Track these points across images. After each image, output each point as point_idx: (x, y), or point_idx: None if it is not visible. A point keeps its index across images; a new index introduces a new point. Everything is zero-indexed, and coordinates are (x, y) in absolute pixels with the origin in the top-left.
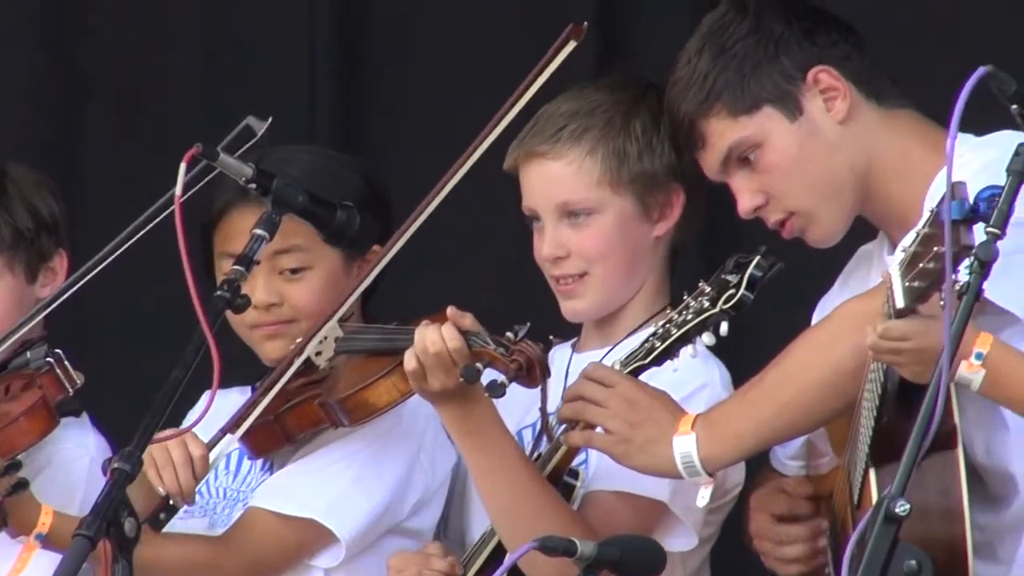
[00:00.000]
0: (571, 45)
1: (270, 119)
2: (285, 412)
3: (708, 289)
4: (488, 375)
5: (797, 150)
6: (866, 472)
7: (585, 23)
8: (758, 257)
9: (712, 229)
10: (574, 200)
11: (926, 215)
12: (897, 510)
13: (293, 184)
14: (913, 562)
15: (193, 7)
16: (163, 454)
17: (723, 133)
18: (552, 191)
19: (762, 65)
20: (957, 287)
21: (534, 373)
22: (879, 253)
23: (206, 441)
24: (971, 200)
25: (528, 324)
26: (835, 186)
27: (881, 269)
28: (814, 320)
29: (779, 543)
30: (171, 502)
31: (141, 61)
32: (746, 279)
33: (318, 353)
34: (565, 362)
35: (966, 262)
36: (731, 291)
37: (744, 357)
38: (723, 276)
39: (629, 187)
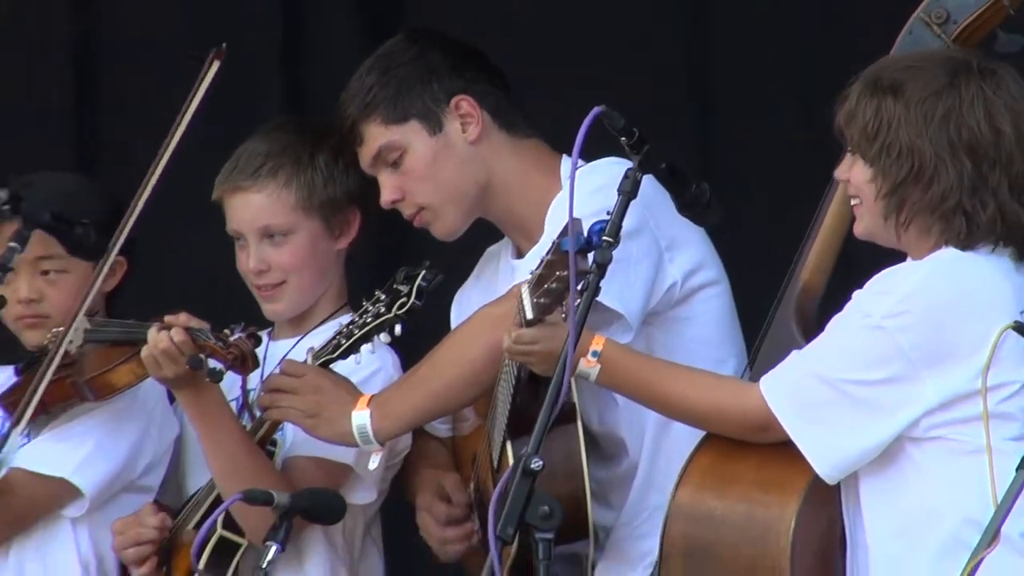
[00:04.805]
0: (216, 65)
1: None
2: (44, 389)
3: (383, 297)
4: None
5: (432, 159)
6: (504, 443)
7: (224, 45)
8: (424, 270)
9: (380, 242)
10: (274, 224)
11: (549, 244)
12: (533, 466)
13: (41, 204)
14: (546, 508)
15: None
16: None
17: (376, 136)
18: (255, 217)
19: (416, 87)
20: (579, 292)
21: (247, 363)
22: (504, 254)
23: None
24: (585, 233)
25: (243, 323)
26: (459, 192)
27: (504, 267)
28: (452, 307)
29: (442, 542)
30: None
31: None
32: (415, 289)
33: (71, 341)
34: (263, 348)
35: (582, 283)
36: (403, 299)
37: (415, 340)
38: (395, 286)
39: (318, 211)
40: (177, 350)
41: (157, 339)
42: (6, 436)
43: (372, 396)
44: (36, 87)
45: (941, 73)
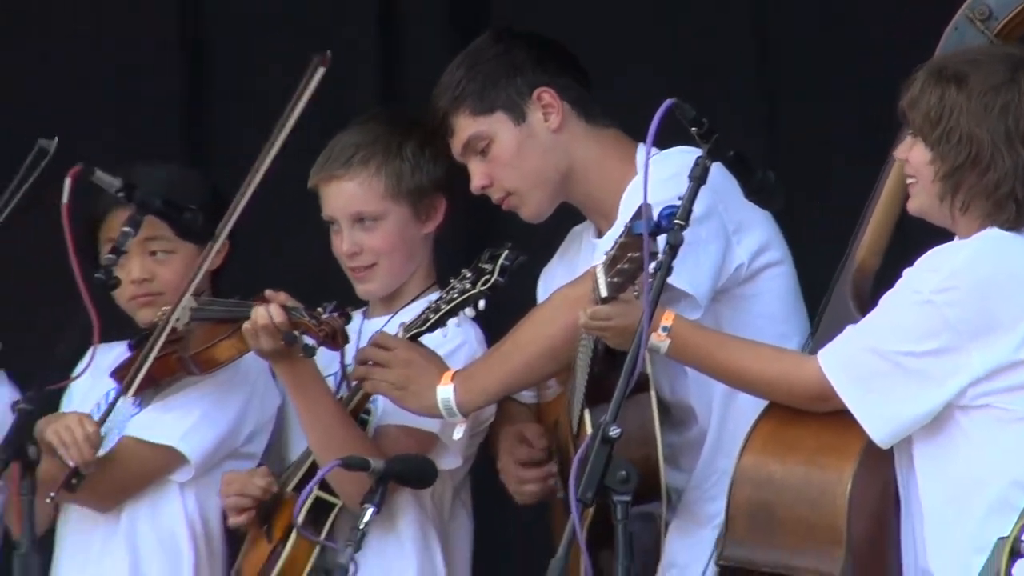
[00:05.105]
0: (321, 71)
1: (56, 139)
2: (152, 364)
3: (469, 274)
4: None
5: (517, 148)
6: (582, 411)
7: (328, 52)
8: (507, 250)
9: (468, 227)
10: (365, 210)
11: (622, 228)
12: (611, 434)
13: (152, 192)
14: (624, 472)
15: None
16: (68, 436)
17: (465, 127)
18: (348, 204)
19: (501, 81)
20: (651, 272)
21: (337, 340)
22: (586, 234)
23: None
24: (656, 217)
25: (335, 302)
26: (543, 178)
27: (585, 246)
28: (539, 284)
29: (520, 482)
30: (78, 470)
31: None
32: (499, 267)
33: (177, 319)
34: (357, 326)
35: (653, 264)
36: (487, 276)
37: (501, 317)
38: (480, 264)
39: (406, 198)
40: (275, 327)
41: (257, 316)
42: (113, 404)
43: (456, 371)
44: (149, 82)
45: (1002, 68)
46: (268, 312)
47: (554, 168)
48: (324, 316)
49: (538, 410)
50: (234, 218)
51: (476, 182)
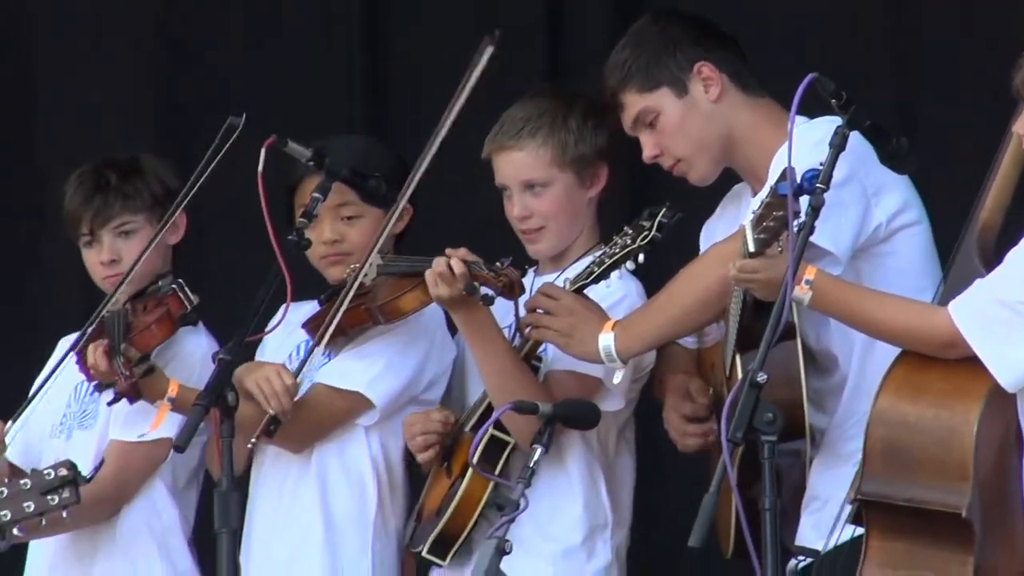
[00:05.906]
0: (490, 50)
1: (244, 115)
2: (342, 315)
3: (630, 231)
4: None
5: (681, 118)
6: (734, 356)
7: (497, 32)
8: (664, 208)
9: (630, 188)
10: (534, 177)
11: (768, 189)
12: (759, 379)
13: (340, 161)
14: (770, 414)
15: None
16: (268, 387)
17: (633, 102)
18: (518, 172)
19: (662, 58)
20: (796, 230)
21: (514, 290)
22: (744, 194)
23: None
24: (799, 180)
25: (512, 257)
26: (706, 145)
27: (744, 204)
28: (702, 236)
29: (684, 435)
30: (277, 417)
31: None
32: (657, 224)
33: (366, 274)
34: (529, 282)
35: (796, 222)
36: (646, 232)
37: (660, 273)
38: (640, 222)
39: (570, 166)
40: (455, 278)
41: (439, 268)
42: (309, 354)
43: (617, 320)
44: (331, 70)
45: None
46: (449, 264)
47: (716, 135)
48: (502, 268)
49: (699, 355)
50: (413, 185)
51: (648, 152)
